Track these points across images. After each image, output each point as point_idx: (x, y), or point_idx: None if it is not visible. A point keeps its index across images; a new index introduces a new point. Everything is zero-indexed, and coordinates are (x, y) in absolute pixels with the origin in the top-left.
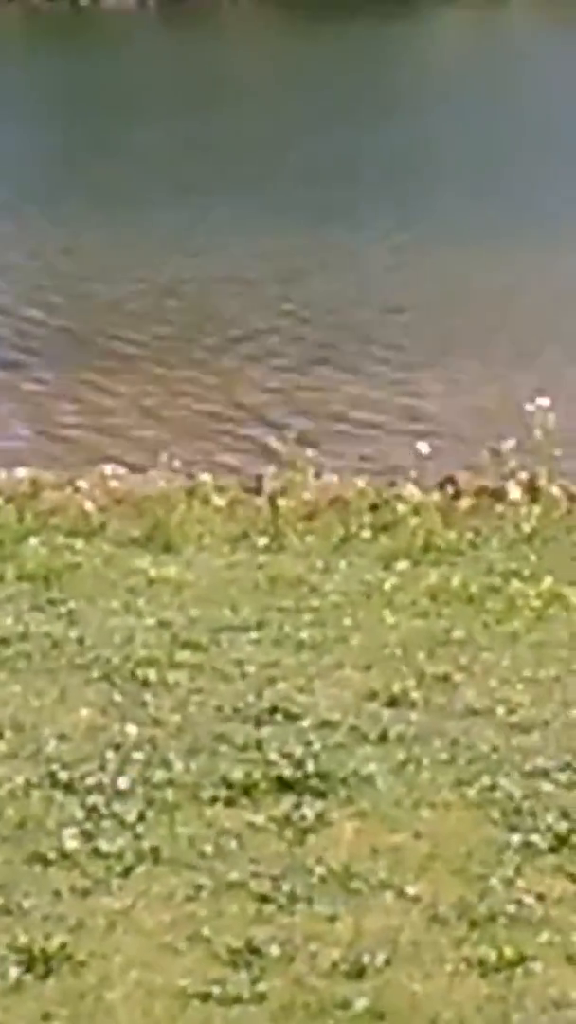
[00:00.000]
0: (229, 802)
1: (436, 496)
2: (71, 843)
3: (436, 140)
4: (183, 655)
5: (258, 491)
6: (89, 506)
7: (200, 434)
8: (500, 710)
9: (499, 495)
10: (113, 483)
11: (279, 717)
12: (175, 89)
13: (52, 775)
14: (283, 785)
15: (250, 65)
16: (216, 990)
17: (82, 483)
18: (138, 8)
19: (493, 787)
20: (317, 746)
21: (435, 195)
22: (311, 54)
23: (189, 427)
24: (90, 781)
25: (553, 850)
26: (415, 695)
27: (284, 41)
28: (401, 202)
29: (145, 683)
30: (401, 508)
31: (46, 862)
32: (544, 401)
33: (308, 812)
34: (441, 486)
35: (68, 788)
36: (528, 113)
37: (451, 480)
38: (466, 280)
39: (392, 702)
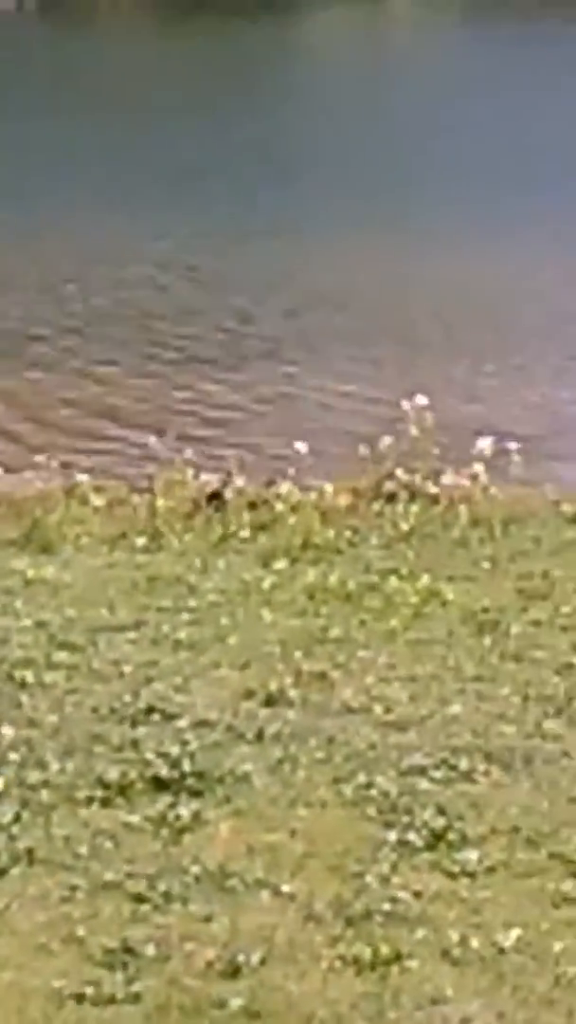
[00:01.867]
0: (105, 802)
1: (314, 495)
2: None
3: (298, 135)
4: (60, 656)
5: (136, 491)
6: None
7: (77, 435)
8: (377, 708)
9: (377, 493)
10: None
11: (156, 717)
12: (41, 88)
13: None
14: (159, 785)
15: (120, 65)
16: (90, 991)
17: None
18: (16, 9)
19: (369, 785)
20: (194, 745)
21: (295, 191)
22: (183, 54)
23: (66, 428)
24: None
25: (429, 847)
26: (292, 693)
27: (159, 42)
28: (272, 200)
29: (22, 684)
30: (279, 507)
31: None
32: (422, 399)
33: (184, 812)
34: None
35: None
36: (396, 111)
37: (329, 478)
38: (333, 278)
39: (269, 701)
